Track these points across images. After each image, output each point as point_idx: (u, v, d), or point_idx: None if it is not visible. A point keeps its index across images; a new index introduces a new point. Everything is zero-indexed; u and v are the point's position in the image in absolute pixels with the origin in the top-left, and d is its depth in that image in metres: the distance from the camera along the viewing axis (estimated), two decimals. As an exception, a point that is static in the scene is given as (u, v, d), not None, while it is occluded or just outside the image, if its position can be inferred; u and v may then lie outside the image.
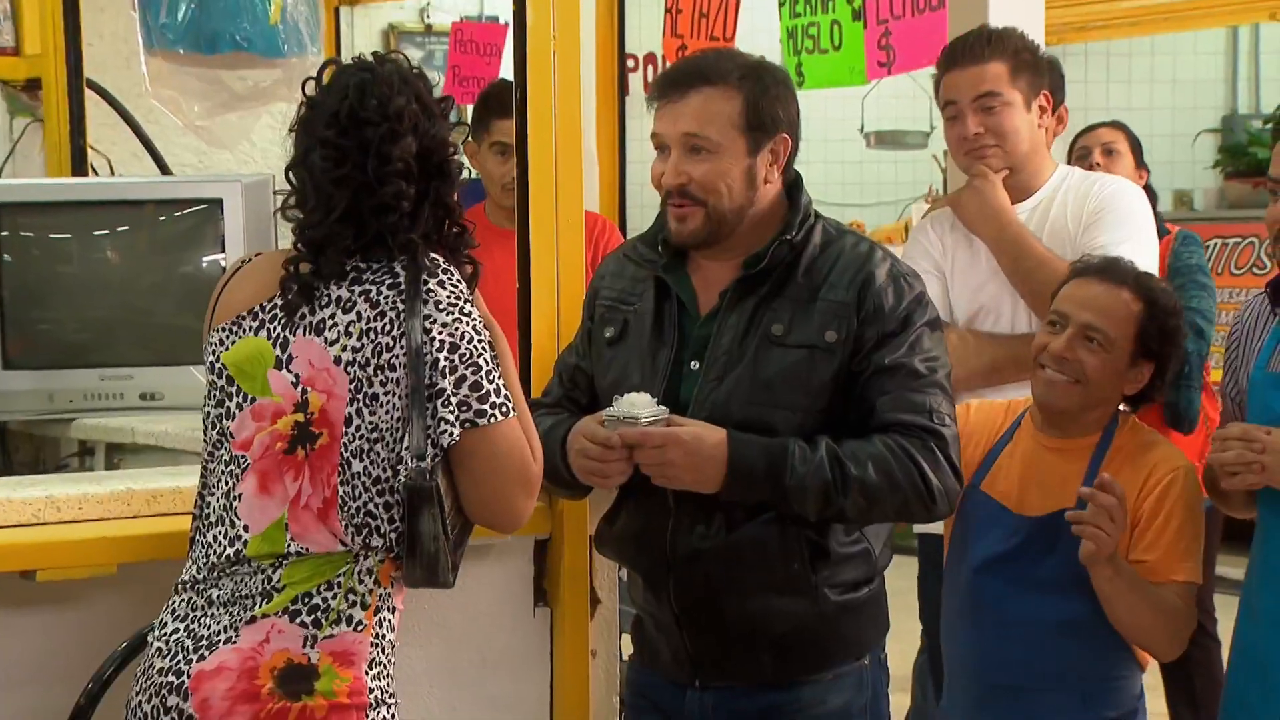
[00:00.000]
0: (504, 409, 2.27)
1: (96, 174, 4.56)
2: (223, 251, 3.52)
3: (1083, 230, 3.25)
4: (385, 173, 2.26)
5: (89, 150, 4.44)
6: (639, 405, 2.46)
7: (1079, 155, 4.57)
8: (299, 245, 2.32)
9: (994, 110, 3.28)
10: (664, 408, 2.48)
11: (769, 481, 2.46)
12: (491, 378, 2.26)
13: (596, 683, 3.00)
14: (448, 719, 2.88)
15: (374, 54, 2.37)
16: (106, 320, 3.70)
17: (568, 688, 2.96)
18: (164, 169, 4.82)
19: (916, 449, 2.48)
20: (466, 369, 2.25)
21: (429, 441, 2.23)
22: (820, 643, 2.59)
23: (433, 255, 2.30)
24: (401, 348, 2.23)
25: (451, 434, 2.23)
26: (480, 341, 2.27)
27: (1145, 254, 3.19)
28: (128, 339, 3.69)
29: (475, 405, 2.25)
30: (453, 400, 2.23)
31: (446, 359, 2.23)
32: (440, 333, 2.24)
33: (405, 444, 2.23)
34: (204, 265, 3.66)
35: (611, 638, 3.03)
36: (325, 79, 2.33)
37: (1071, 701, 2.79)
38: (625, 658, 3.00)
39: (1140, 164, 4.63)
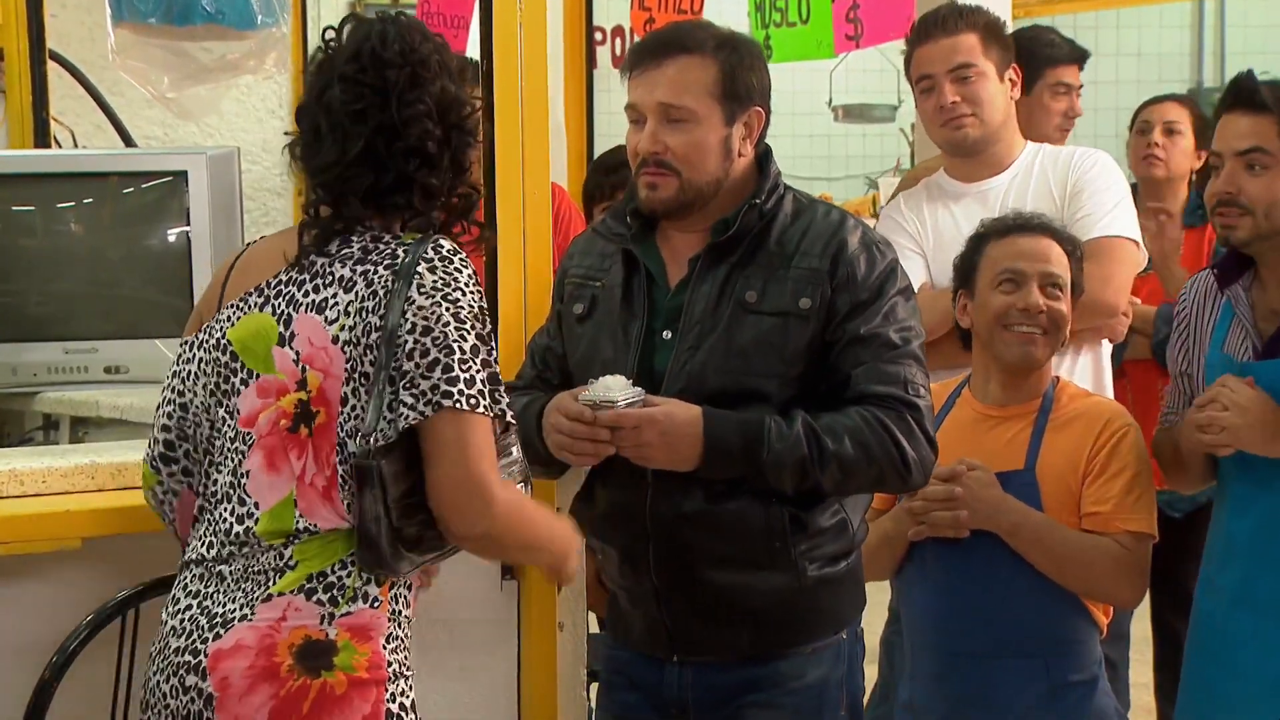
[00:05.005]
0: (471, 400, 2.18)
1: (59, 146, 4.52)
2: (187, 224, 3.50)
3: (1068, 201, 3.35)
4: (408, 115, 2.24)
5: (52, 122, 4.40)
6: (614, 388, 2.44)
7: (1139, 130, 4.30)
8: (316, 190, 2.29)
9: (970, 80, 3.35)
10: (639, 389, 2.45)
11: (745, 458, 2.45)
12: (467, 367, 2.19)
13: (564, 655, 3.00)
14: (414, 690, 2.88)
15: (396, 11, 2.35)
16: (70, 293, 3.65)
17: (535, 660, 2.96)
18: (128, 141, 4.79)
19: (892, 421, 2.48)
20: (439, 351, 2.17)
21: (387, 422, 2.18)
22: (799, 617, 2.59)
23: (439, 241, 2.25)
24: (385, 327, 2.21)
25: (408, 416, 2.17)
26: (457, 329, 2.19)
27: (1128, 219, 3.36)
28: (92, 312, 3.66)
29: (444, 387, 2.16)
30: (418, 383, 2.17)
31: (416, 341, 2.18)
32: (415, 315, 2.19)
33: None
34: (169, 238, 3.62)
35: (579, 610, 3.03)
36: (344, 31, 2.31)
37: (1033, 667, 2.83)
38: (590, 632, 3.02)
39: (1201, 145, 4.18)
